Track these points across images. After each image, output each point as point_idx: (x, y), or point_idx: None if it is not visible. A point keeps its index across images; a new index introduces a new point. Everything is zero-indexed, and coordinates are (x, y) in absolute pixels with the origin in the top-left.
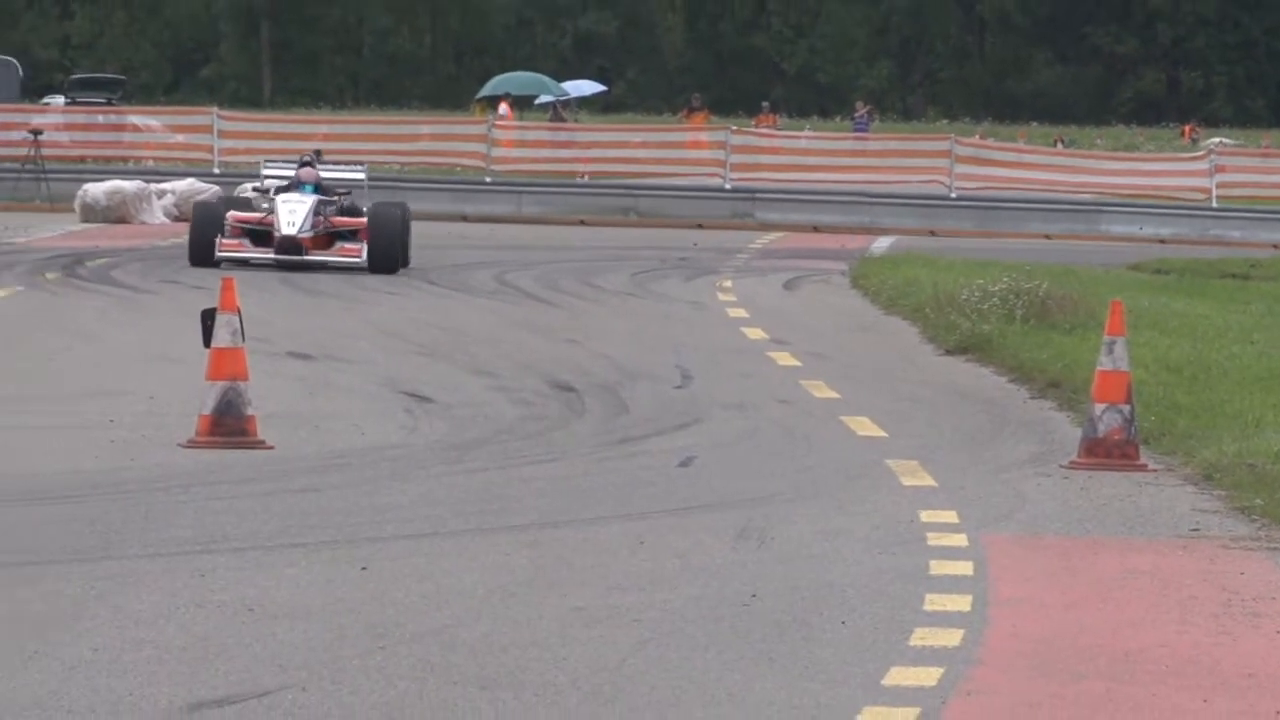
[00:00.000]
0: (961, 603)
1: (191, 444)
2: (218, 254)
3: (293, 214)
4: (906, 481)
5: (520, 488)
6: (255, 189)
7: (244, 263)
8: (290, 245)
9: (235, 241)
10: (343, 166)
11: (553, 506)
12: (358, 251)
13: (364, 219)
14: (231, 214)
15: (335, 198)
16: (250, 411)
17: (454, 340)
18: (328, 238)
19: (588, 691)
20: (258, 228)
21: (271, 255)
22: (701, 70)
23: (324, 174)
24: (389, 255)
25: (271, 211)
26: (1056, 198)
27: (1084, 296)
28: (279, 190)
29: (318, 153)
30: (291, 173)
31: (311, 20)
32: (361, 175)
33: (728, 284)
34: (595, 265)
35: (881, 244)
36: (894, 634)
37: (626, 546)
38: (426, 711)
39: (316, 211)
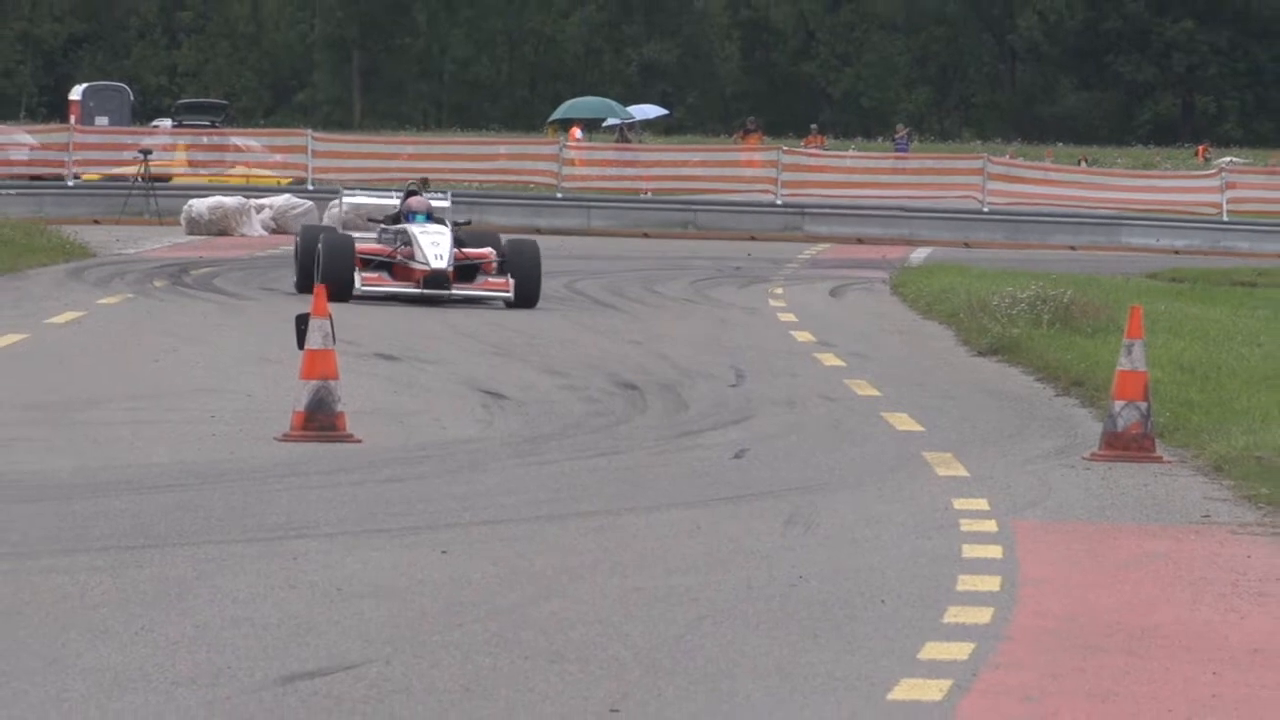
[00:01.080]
0: (991, 583)
1: (286, 438)
2: (359, 288)
3: (436, 246)
4: (941, 472)
5: (587, 478)
6: (372, 220)
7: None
8: (438, 279)
9: (375, 275)
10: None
11: (617, 495)
12: (505, 285)
13: (489, 250)
14: (359, 245)
15: (450, 228)
16: (340, 408)
17: (527, 342)
18: (463, 271)
19: (648, 665)
20: (388, 260)
21: (415, 289)
22: (755, 95)
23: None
24: (532, 290)
25: (406, 243)
26: (1080, 212)
27: (1105, 303)
28: (390, 220)
29: (424, 181)
30: (380, 201)
31: (398, 49)
32: (446, 203)
33: (779, 291)
34: (657, 274)
35: (919, 254)
36: (929, 612)
37: (684, 532)
38: (500, 683)
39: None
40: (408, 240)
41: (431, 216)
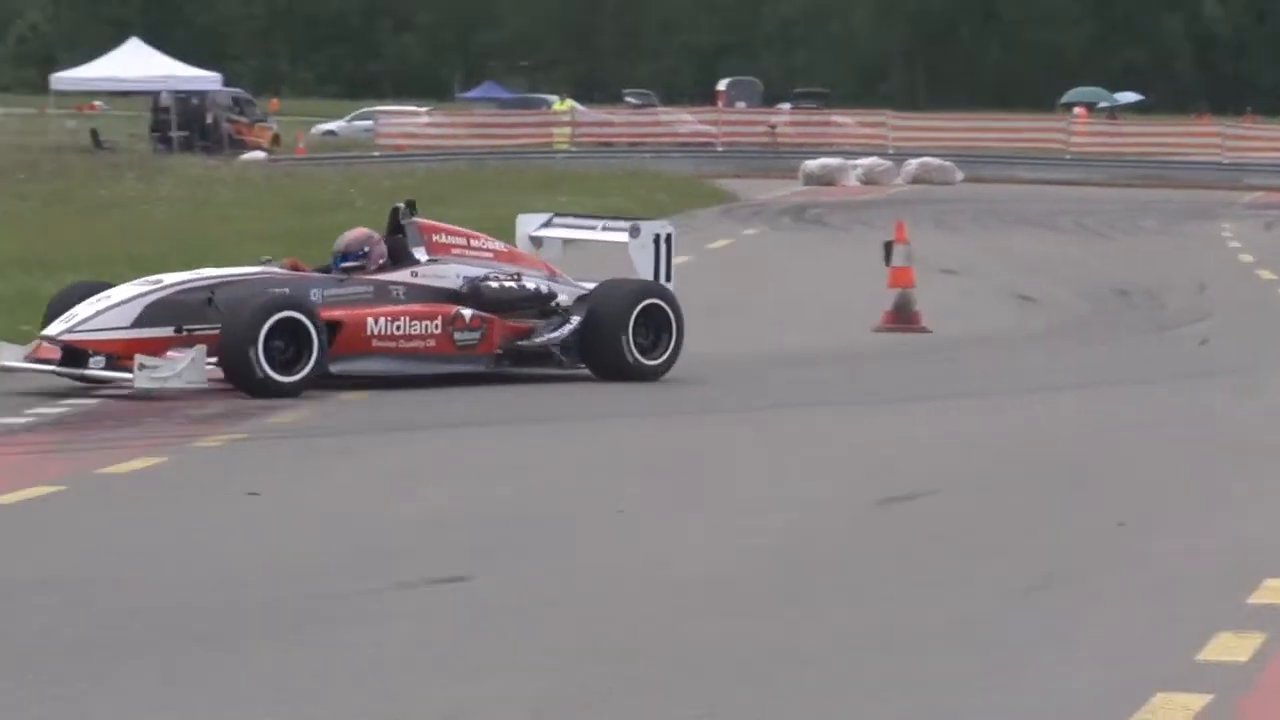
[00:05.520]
0: None
1: (878, 330)
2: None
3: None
4: None
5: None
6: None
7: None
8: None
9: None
10: None
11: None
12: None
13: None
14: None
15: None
16: (916, 309)
17: (1044, 264)
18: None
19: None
20: None
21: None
22: None
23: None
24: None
25: None
26: None
27: None
28: None
29: (410, 204)
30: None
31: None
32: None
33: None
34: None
35: None
36: None
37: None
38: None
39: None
40: None
41: (353, 258)
